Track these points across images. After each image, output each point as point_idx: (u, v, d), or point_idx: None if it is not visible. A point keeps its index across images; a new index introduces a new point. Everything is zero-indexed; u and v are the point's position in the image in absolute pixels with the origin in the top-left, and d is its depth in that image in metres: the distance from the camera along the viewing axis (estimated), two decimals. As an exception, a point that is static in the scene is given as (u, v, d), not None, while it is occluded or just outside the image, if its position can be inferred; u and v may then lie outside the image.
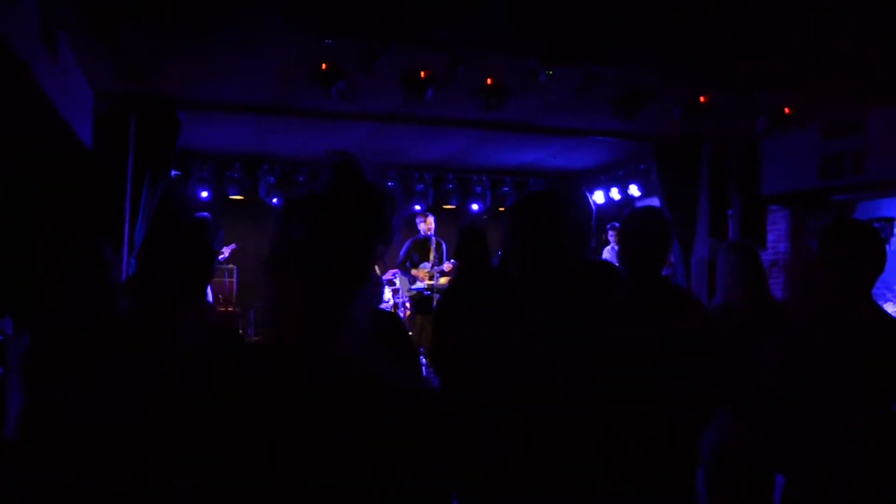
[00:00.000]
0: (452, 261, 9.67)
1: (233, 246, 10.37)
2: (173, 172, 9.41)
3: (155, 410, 1.59)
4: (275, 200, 11.20)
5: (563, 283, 2.18)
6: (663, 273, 3.20)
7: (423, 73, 5.96)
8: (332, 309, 1.50)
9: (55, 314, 3.53)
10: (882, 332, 2.74)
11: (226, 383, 1.46)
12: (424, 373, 6.81)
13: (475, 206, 12.26)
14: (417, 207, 11.63)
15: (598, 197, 11.84)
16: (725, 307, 4.08)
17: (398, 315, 3.47)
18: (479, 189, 12.21)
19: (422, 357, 8.74)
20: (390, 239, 1.62)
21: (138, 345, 2.86)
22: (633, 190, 11.03)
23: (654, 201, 10.14)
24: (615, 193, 11.50)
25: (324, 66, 5.78)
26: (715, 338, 3.00)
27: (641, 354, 2.45)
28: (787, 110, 6.91)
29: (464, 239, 5.13)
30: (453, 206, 12.21)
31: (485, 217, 12.32)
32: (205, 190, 10.89)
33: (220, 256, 10.33)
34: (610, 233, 11.40)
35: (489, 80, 6.20)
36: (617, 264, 3.20)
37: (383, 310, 3.32)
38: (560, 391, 2.15)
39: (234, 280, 10.90)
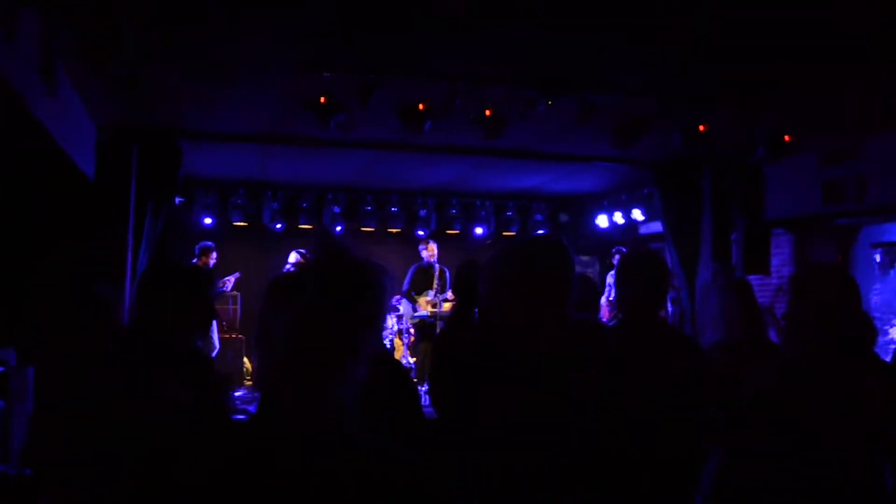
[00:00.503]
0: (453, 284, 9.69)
1: (236, 275, 10.37)
2: (178, 200, 9.47)
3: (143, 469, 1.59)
4: (278, 226, 11.24)
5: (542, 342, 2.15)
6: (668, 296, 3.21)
7: (420, 106, 5.97)
8: (320, 386, 1.50)
9: (56, 351, 3.54)
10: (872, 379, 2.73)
11: (213, 460, 1.46)
12: (424, 402, 6.77)
13: (479, 230, 12.21)
14: (420, 233, 11.64)
15: (602, 221, 11.80)
16: (723, 345, 4.05)
17: (398, 362, 3.48)
18: (482, 213, 12.17)
19: (422, 386, 8.71)
20: (382, 314, 1.61)
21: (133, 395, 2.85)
22: (637, 214, 10.98)
23: (658, 225, 10.11)
24: (619, 218, 11.45)
25: (322, 99, 5.80)
26: (711, 380, 2.99)
27: (638, 400, 2.42)
28: (787, 138, 6.89)
29: (462, 273, 5.11)
30: (457, 231, 12.18)
31: (489, 242, 12.28)
32: (209, 216, 10.93)
33: (224, 287, 10.32)
34: (616, 257, 11.36)
35: (487, 112, 6.21)
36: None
37: (384, 354, 3.29)
38: (552, 442, 2.11)
39: (238, 307, 10.90)
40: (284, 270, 9.39)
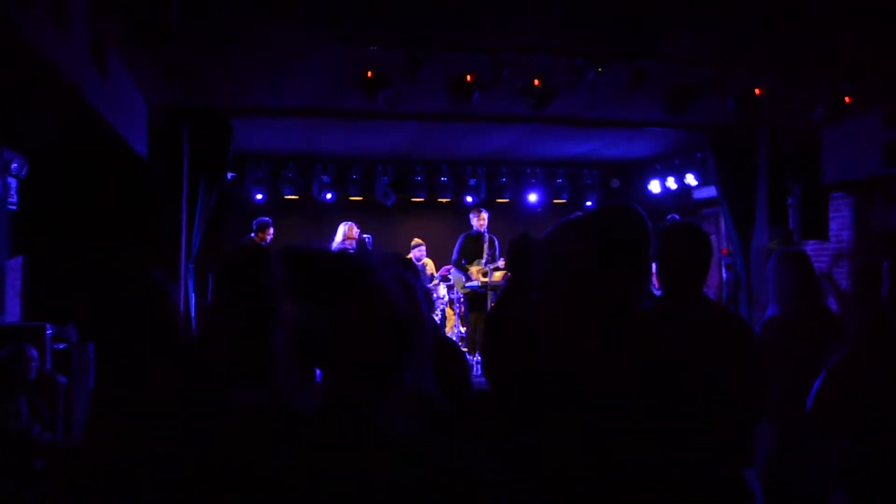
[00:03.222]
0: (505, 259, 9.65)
1: None
2: (229, 175, 9.56)
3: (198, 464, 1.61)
4: (328, 197, 11.33)
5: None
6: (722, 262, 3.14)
7: (468, 77, 5.93)
8: (369, 388, 1.50)
9: (118, 336, 3.60)
10: None
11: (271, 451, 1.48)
12: (475, 372, 6.79)
13: (531, 197, 12.13)
14: (469, 199, 11.60)
15: (655, 186, 11.63)
16: (781, 319, 3.97)
17: (455, 344, 3.50)
18: (532, 181, 12.07)
19: (475, 357, 8.74)
20: (423, 319, 1.59)
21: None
22: (690, 179, 10.80)
23: (712, 190, 9.94)
24: (672, 183, 11.27)
25: (369, 74, 5.79)
26: (760, 358, 2.93)
27: (685, 380, 2.37)
28: (847, 99, 6.69)
29: (515, 248, 5.10)
30: (507, 200, 12.14)
31: (540, 210, 12.20)
32: (260, 191, 11.06)
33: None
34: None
35: (536, 81, 6.13)
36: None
37: (442, 339, 3.31)
38: (601, 417, 2.10)
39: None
40: (336, 247, 9.46)
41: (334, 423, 1.49)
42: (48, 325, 6.13)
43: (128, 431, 2.99)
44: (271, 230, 10.15)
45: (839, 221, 9.17)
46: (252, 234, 10.11)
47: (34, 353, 5.44)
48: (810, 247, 8.68)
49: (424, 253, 10.55)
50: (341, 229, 9.82)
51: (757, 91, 6.54)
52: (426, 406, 1.65)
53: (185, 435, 2.44)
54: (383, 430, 1.48)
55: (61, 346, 6.32)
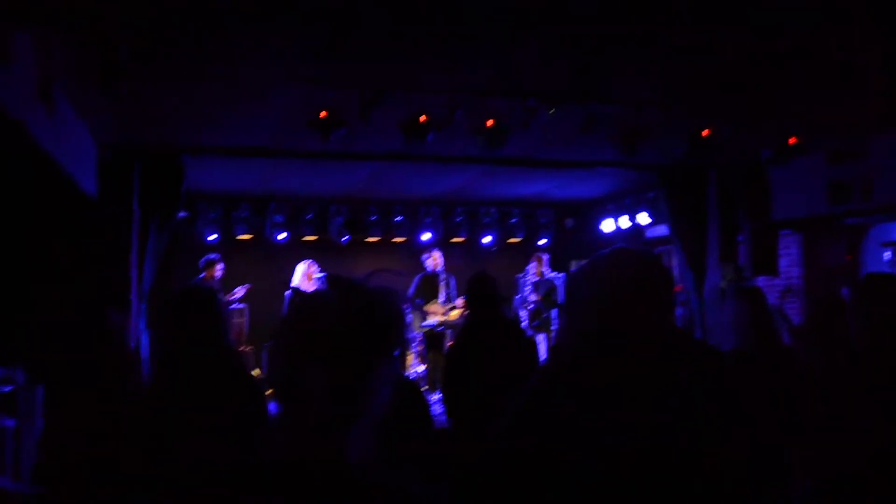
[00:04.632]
0: (464, 295, 9.64)
1: (247, 286, 10.30)
2: (181, 214, 9.41)
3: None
4: (282, 237, 11.22)
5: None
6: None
7: (422, 118, 5.92)
8: (338, 418, 1.47)
9: (70, 377, 3.49)
10: None
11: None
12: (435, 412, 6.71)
13: (487, 239, 12.15)
14: (426, 236, 11.58)
15: (608, 225, 11.70)
16: (738, 354, 3.98)
17: (415, 383, 3.45)
18: (487, 220, 12.10)
19: (434, 395, 8.65)
20: (397, 344, 1.57)
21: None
22: (643, 218, 10.88)
23: (664, 229, 10.05)
24: (624, 221, 11.34)
25: (322, 114, 5.76)
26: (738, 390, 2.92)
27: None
28: (791, 140, 6.82)
29: (474, 285, 5.10)
30: (462, 239, 12.13)
31: (495, 249, 12.22)
32: (213, 231, 10.93)
33: (234, 297, 10.25)
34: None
35: (489, 122, 6.15)
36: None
37: (402, 380, 3.27)
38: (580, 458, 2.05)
39: (246, 320, 10.82)
40: (297, 286, 9.36)
41: (302, 466, 1.45)
42: (-7, 368, 5.94)
43: (78, 475, 2.89)
44: (219, 266, 9.91)
45: (788, 258, 9.31)
46: (202, 274, 9.93)
47: (-22, 396, 5.27)
48: (761, 282, 8.77)
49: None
50: (301, 268, 9.72)
51: (705, 132, 6.63)
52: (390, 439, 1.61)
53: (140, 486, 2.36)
54: (348, 465, 1.45)
55: (8, 389, 6.12)
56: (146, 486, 2.48)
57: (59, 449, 3.14)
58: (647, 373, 2.06)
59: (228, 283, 10.29)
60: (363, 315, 1.50)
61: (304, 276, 9.66)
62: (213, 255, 10.02)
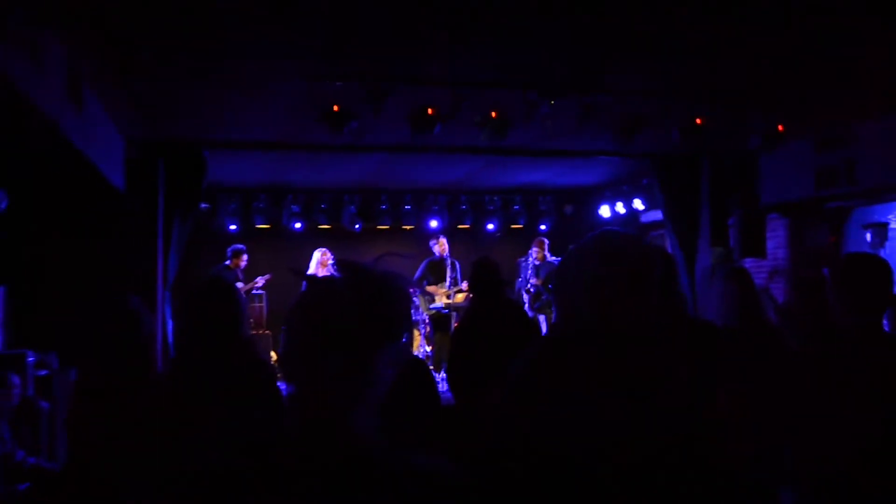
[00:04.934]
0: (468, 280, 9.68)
1: (268, 276, 10.41)
2: (203, 206, 9.48)
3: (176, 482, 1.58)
4: (298, 226, 11.30)
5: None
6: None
7: (429, 111, 5.95)
8: (346, 397, 1.48)
9: (92, 362, 3.54)
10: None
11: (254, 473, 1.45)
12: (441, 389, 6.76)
13: (490, 226, 12.20)
14: (434, 223, 11.64)
15: (605, 211, 11.76)
16: (727, 332, 4.02)
17: (422, 361, 3.46)
18: (491, 208, 12.15)
19: (439, 374, 8.71)
20: (403, 327, 1.56)
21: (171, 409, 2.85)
22: (638, 204, 10.95)
23: (658, 214, 10.07)
24: (620, 207, 11.44)
25: (335, 108, 5.79)
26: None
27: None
28: (780, 128, 6.84)
29: (478, 269, 5.12)
30: (468, 226, 12.19)
31: (498, 235, 12.26)
32: (233, 222, 11.02)
33: (257, 286, 10.38)
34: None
35: (493, 114, 6.18)
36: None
37: (410, 358, 3.31)
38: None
39: (265, 305, 10.91)
40: (313, 273, 9.42)
41: (309, 442, 1.47)
42: (30, 353, 6.02)
43: (108, 455, 2.94)
44: (245, 257, 10.13)
45: (775, 241, 9.32)
46: (227, 262, 10.05)
47: (16, 380, 5.35)
48: (749, 264, 8.80)
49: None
50: (316, 256, 9.84)
51: (698, 121, 6.65)
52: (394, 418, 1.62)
53: (165, 463, 2.40)
54: (356, 442, 1.46)
55: (43, 373, 6.21)
56: (165, 465, 2.53)
57: (82, 429, 3.18)
58: (637, 355, 2.02)
59: (250, 270, 10.40)
60: (372, 299, 1.50)
61: (319, 263, 9.76)
62: (239, 246, 10.16)
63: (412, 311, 10.00)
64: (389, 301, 1.53)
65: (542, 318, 10.21)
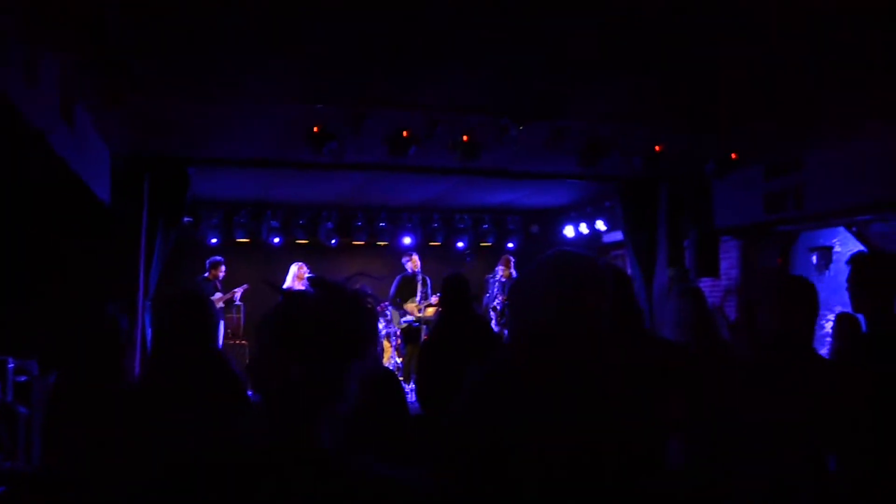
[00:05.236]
0: (438, 294, 9.69)
1: (245, 287, 10.31)
2: (185, 219, 9.40)
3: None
4: (276, 241, 11.23)
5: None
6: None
7: (405, 133, 5.97)
8: (309, 408, 1.47)
9: (71, 367, 3.49)
10: (826, 380, 2.72)
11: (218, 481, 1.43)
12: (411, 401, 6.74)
13: (460, 244, 12.21)
14: (407, 240, 11.63)
15: (569, 231, 11.77)
16: (681, 347, 4.05)
17: (393, 373, 3.41)
18: (461, 226, 12.15)
19: (409, 385, 8.68)
20: (369, 341, 1.56)
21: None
22: (600, 225, 10.97)
23: (619, 234, 10.16)
24: (584, 228, 11.43)
25: (315, 129, 5.79)
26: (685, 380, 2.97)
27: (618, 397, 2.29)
28: (734, 155, 6.95)
29: (448, 285, 5.10)
30: (439, 243, 12.17)
31: (468, 253, 12.27)
32: (214, 235, 10.93)
33: (234, 296, 10.27)
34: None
35: (465, 137, 6.21)
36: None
37: (381, 370, 3.29)
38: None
39: (242, 315, 10.83)
40: (289, 286, 9.35)
41: (279, 449, 1.46)
42: (10, 359, 5.90)
43: (81, 459, 2.89)
44: (223, 268, 10.08)
45: (728, 261, 9.45)
46: (206, 273, 9.97)
47: (-4, 385, 5.24)
48: (705, 283, 8.90)
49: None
50: (293, 269, 9.81)
51: (657, 148, 6.74)
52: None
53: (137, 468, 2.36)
54: (319, 450, 1.45)
55: (23, 379, 6.07)
56: (135, 471, 2.49)
57: (57, 433, 3.14)
58: (587, 371, 2.01)
59: (228, 282, 10.31)
60: (341, 315, 1.50)
61: (296, 277, 9.71)
62: (217, 258, 10.09)
63: (384, 324, 9.99)
64: (357, 318, 1.52)
65: (507, 333, 10.19)
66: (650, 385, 2.32)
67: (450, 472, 2.03)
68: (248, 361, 1.59)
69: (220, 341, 9.73)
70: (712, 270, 9.05)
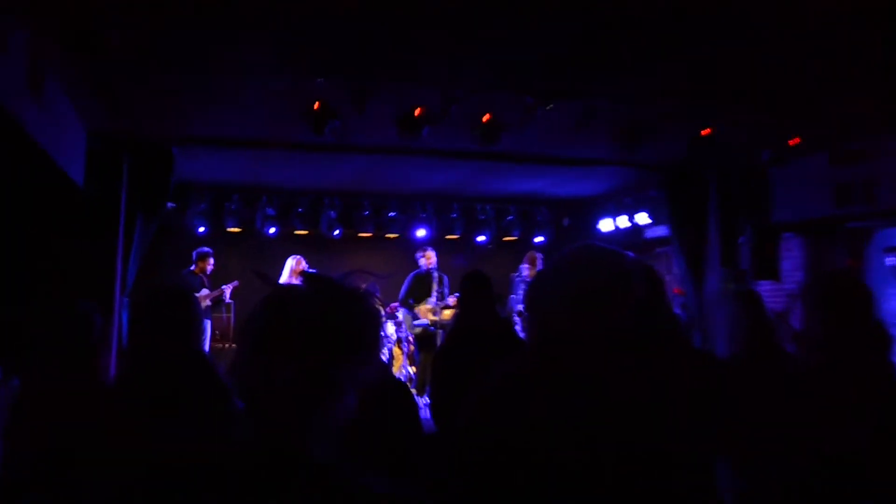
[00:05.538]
0: (456, 294, 9.69)
1: (235, 283, 10.35)
2: (169, 204, 9.47)
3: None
4: (272, 231, 11.27)
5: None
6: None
7: (417, 112, 6.00)
8: (297, 413, 1.50)
9: (38, 368, 3.58)
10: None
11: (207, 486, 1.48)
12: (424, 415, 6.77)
13: (481, 238, 12.23)
14: (421, 233, 11.66)
15: (606, 225, 11.70)
16: (735, 360, 4.03)
17: (404, 385, 3.39)
18: (483, 218, 12.15)
19: (422, 397, 8.71)
20: (368, 344, 1.59)
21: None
22: (642, 218, 10.87)
23: (664, 230, 10.12)
24: (623, 221, 11.32)
25: (316, 105, 5.83)
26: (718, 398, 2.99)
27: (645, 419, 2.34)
28: (791, 142, 6.91)
29: (466, 285, 5.07)
30: (457, 236, 12.20)
31: (490, 247, 12.27)
32: (202, 224, 10.98)
33: (222, 294, 10.30)
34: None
35: (485, 118, 6.23)
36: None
37: (390, 381, 3.31)
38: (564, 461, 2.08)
39: (232, 315, 10.90)
40: (285, 282, 9.40)
41: (264, 456, 1.49)
42: (-28, 361, 6.01)
43: (45, 463, 2.98)
44: (211, 261, 10.12)
45: (791, 262, 9.37)
46: (192, 266, 10.04)
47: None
48: (764, 287, 8.84)
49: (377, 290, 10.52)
50: (290, 263, 9.79)
51: (706, 130, 6.71)
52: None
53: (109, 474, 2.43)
54: (310, 459, 1.48)
55: (-15, 382, 6.19)
56: (108, 477, 2.55)
57: (22, 438, 3.22)
58: (600, 382, 2.02)
59: (218, 276, 10.37)
60: (331, 311, 1.53)
61: (292, 272, 9.69)
62: (206, 249, 10.14)
63: (395, 328, 10.03)
64: (354, 319, 1.55)
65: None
66: (670, 400, 2.35)
67: (451, 486, 2.06)
68: (230, 363, 1.64)
69: (207, 343, 9.81)
70: (772, 272, 8.99)
